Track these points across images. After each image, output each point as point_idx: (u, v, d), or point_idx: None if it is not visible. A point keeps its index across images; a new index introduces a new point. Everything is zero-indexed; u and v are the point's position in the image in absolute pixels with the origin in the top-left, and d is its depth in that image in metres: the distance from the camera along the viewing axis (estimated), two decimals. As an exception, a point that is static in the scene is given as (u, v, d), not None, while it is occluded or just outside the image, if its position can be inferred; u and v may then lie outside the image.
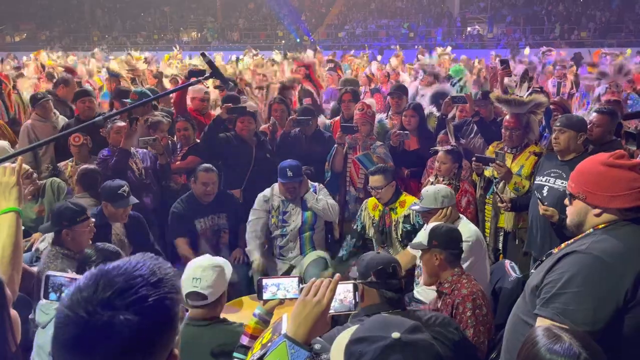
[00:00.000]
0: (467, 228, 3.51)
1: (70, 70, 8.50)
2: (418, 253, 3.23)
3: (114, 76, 7.76)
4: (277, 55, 12.42)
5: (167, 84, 8.07)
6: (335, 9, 32.76)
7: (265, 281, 2.10)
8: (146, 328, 0.99)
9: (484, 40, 26.88)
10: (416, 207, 3.79)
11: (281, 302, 2.18)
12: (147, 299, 1.00)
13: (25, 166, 4.35)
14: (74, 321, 0.98)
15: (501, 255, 4.36)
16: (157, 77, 8.14)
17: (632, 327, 1.79)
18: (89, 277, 1.03)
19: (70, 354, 0.98)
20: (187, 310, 2.60)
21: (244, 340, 2.20)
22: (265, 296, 2.11)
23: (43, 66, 10.42)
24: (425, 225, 3.60)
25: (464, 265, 3.21)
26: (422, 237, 3.08)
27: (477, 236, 3.48)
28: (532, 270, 2.18)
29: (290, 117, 5.22)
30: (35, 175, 4.34)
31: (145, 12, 33.19)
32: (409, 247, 3.48)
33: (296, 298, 2.05)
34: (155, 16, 33.03)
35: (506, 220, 4.29)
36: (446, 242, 2.96)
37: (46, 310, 2.68)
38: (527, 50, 12.90)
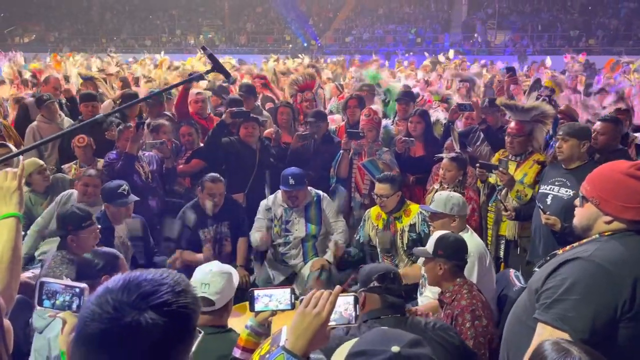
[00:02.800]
0: (469, 242, 3.47)
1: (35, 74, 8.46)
2: (421, 260, 3.21)
3: (87, 79, 7.74)
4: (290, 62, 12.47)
5: (142, 89, 8.01)
6: (343, 13, 32.78)
7: (257, 292, 2.07)
8: (171, 331, 1.03)
9: (491, 47, 26.81)
10: (425, 207, 3.83)
11: (273, 313, 2.15)
12: (170, 305, 1.05)
13: (38, 161, 4.45)
14: (101, 317, 1.02)
15: (502, 264, 4.31)
16: (124, 81, 8.12)
17: (625, 337, 1.79)
18: (118, 279, 1.09)
19: (94, 349, 1.01)
20: None
21: (237, 353, 2.17)
22: (257, 307, 2.08)
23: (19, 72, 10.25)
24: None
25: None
26: (429, 244, 3.06)
27: (479, 252, 3.41)
28: (536, 269, 2.15)
29: (297, 133, 5.16)
30: (47, 171, 4.46)
31: (153, 15, 33.32)
32: (414, 250, 3.46)
33: (288, 309, 2.03)
34: (164, 19, 33.16)
35: (508, 229, 4.24)
36: (452, 252, 2.93)
37: (42, 315, 2.65)
38: (549, 61, 12.75)
